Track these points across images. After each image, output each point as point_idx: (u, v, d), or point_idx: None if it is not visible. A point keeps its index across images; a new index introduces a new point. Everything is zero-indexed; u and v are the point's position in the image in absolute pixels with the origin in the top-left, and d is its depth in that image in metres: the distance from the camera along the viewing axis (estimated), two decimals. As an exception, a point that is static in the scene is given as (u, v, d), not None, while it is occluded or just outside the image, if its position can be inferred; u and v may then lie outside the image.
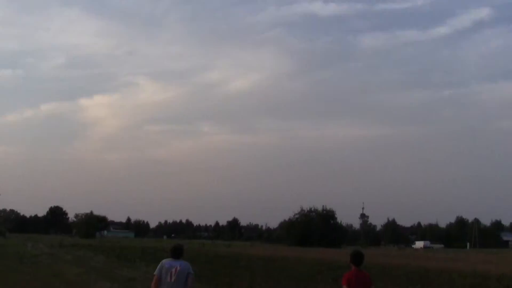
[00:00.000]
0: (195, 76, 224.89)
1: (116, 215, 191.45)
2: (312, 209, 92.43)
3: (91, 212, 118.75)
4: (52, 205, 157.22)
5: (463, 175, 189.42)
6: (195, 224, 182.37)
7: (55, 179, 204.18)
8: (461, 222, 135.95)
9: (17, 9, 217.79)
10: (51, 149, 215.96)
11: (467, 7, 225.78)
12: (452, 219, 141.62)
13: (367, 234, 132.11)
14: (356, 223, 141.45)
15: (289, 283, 18.55)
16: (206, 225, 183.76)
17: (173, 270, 7.10)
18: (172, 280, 7.05)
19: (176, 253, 7.33)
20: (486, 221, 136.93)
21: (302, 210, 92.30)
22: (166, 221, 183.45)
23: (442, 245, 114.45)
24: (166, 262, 7.24)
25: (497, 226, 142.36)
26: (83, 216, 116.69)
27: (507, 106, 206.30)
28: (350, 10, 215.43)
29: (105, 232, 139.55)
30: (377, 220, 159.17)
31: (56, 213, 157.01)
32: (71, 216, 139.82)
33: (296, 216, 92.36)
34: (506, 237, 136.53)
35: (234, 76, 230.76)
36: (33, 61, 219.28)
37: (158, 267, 7.24)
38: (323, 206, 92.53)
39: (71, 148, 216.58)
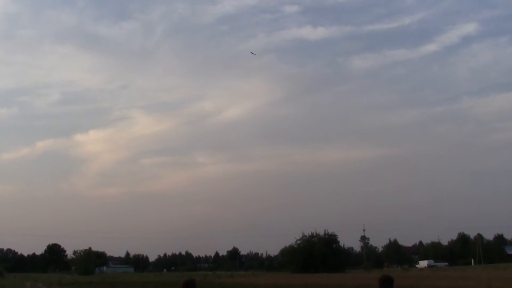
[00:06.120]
0: (189, 107, 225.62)
1: (115, 250, 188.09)
2: (314, 234, 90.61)
3: (90, 248, 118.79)
4: (50, 243, 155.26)
5: (461, 190, 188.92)
6: (194, 256, 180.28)
7: (52, 216, 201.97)
8: (463, 239, 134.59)
9: (10, 48, 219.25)
10: (48, 186, 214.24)
11: (454, 23, 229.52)
12: (454, 236, 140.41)
13: (369, 257, 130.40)
14: (357, 246, 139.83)
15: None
16: (206, 256, 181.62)
17: None
18: None
19: None
20: (488, 235, 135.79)
21: (303, 235, 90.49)
22: (165, 254, 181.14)
23: (446, 263, 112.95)
24: None
25: (500, 240, 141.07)
26: (81, 253, 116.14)
27: (499, 119, 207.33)
28: (339, 33, 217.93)
29: (104, 268, 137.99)
30: (378, 242, 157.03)
31: (54, 251, 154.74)
32: (69, 253, 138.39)
33: (298, 242, 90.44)
34: (510, 250, 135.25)
35: (227, 105, 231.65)
36: (27, 99, 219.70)
37: None
38: (325, 230, 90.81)
39: (67, 184, 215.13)
